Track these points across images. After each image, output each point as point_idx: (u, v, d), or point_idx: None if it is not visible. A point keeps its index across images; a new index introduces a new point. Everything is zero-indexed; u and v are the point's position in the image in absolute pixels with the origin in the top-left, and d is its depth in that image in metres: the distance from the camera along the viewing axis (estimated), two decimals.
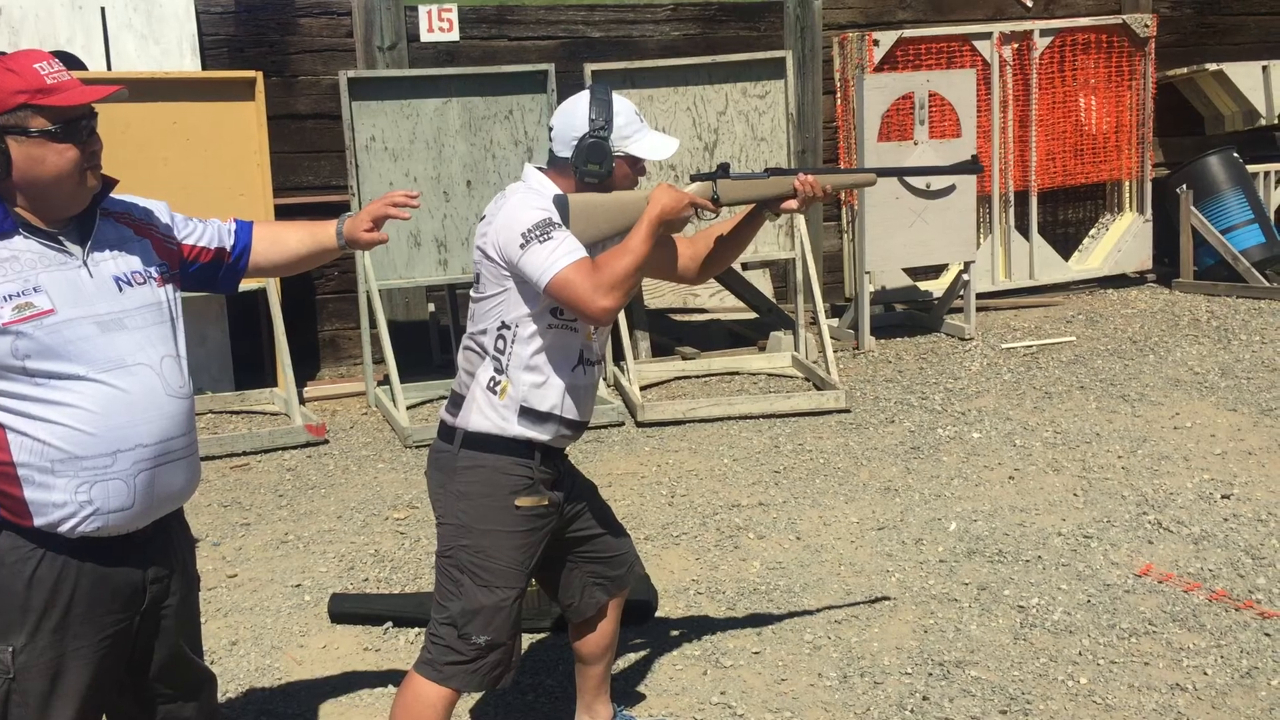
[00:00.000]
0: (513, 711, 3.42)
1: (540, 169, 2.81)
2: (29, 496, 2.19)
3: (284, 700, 3.55)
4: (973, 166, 3.26)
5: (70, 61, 6.56)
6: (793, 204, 2.93)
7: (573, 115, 2.74)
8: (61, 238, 2.26)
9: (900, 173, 3.39)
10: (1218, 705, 3.31)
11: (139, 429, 2.24)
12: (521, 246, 2.61)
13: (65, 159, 2.21)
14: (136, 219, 2.43)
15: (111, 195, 2.39)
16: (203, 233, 2.56)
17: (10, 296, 2.16)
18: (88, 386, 2.20)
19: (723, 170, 2.91)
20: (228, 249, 2.58)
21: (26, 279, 2.19)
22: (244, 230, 2.62)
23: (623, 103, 2.76)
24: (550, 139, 2.79)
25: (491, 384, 2.72)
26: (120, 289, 2.29)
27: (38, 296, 2.18)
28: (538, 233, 2.60)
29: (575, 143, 2.73)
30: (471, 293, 2.81)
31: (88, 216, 2.31)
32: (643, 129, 2.78)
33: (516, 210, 2.66)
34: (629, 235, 2.69)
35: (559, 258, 2.58)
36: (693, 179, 2.91)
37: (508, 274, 2.67)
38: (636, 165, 2.81)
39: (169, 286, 2.40)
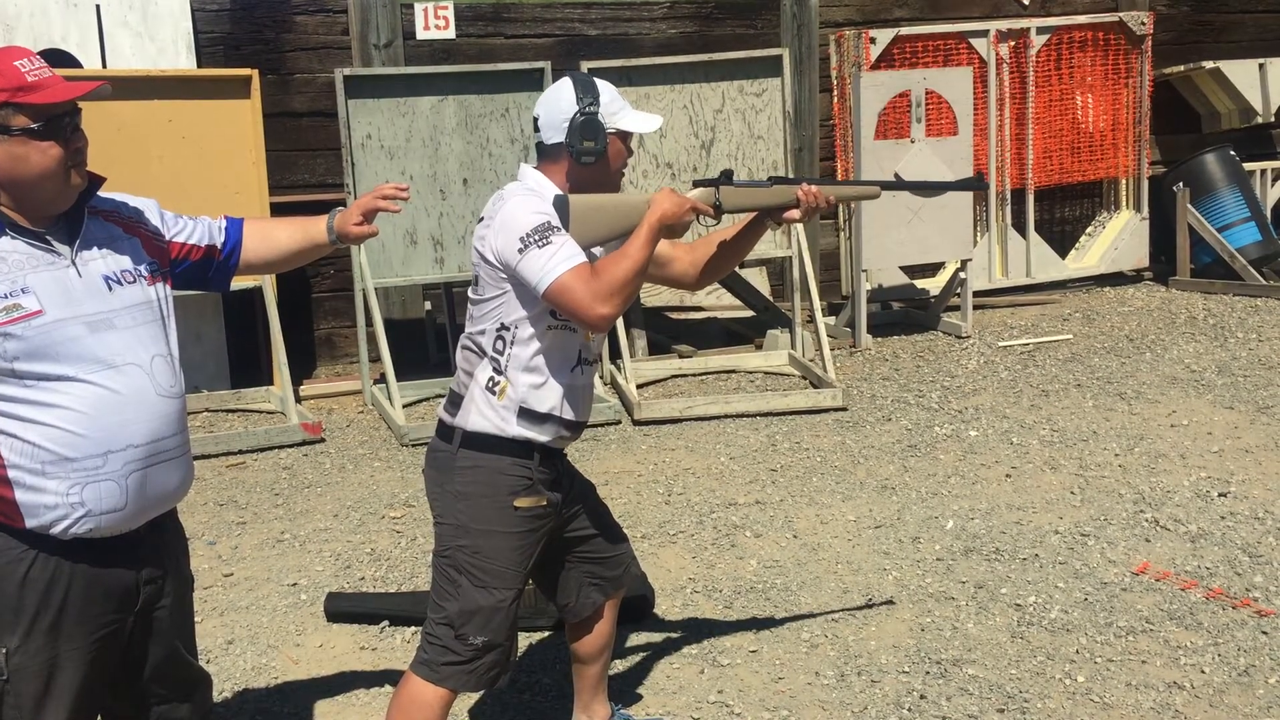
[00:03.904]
0: (510, 710, 3.42)
1: (536, 167, 2.80)
2: (20, 498, 2.18)
3: (280, 700, 3.54)
4: (978, 183, 3.28)
5: (66, 59, 6.55)
6: (795, 214, 2.92)
7: (559, 99, 2.74)
8: (49, 237, 2.25)
9: (905, 187, 3.40)
10: (1215, 703, 3.31)
11: (130, 429, 2.23)
12: (520, 251, 2.59)
13: (49, 157, 2.19)
14: (125, 217, 2.41)
15: (100, 194, 2.37)
16: (193, 230, 2.54)
17: None
18: (77, 387, 2.19)
19: (725, 177, 2.90)
20: (218, 246, 2.57)
21: (14, 280, 2.18)
22: (234, 227, 2.60)
23: (604, 83, 2.77)
24: (536, 129, 2.78)
25: (490, 384, 2.70)
26: (109, 288, 2.28)
27: (25, 298, 2.17)
28: (536, 237, 2.59)
29: (566, 124, 2.71)
30: (470, 294, 2.79)
31: (75, 215, 2.29)
32: (627, 106, 2.78)
33: (515, 213, 2.64)
34: (629, 240, 2.68)
35: (557, 263, 2.57)
36: (695, 184, 2.90)
37: (506, 277, 2.66)
38: (627, 142, 2.80)
39: (159, 285, 2.39)
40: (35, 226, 2.24)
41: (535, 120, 2.78)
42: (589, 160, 2.72)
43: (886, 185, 3.15)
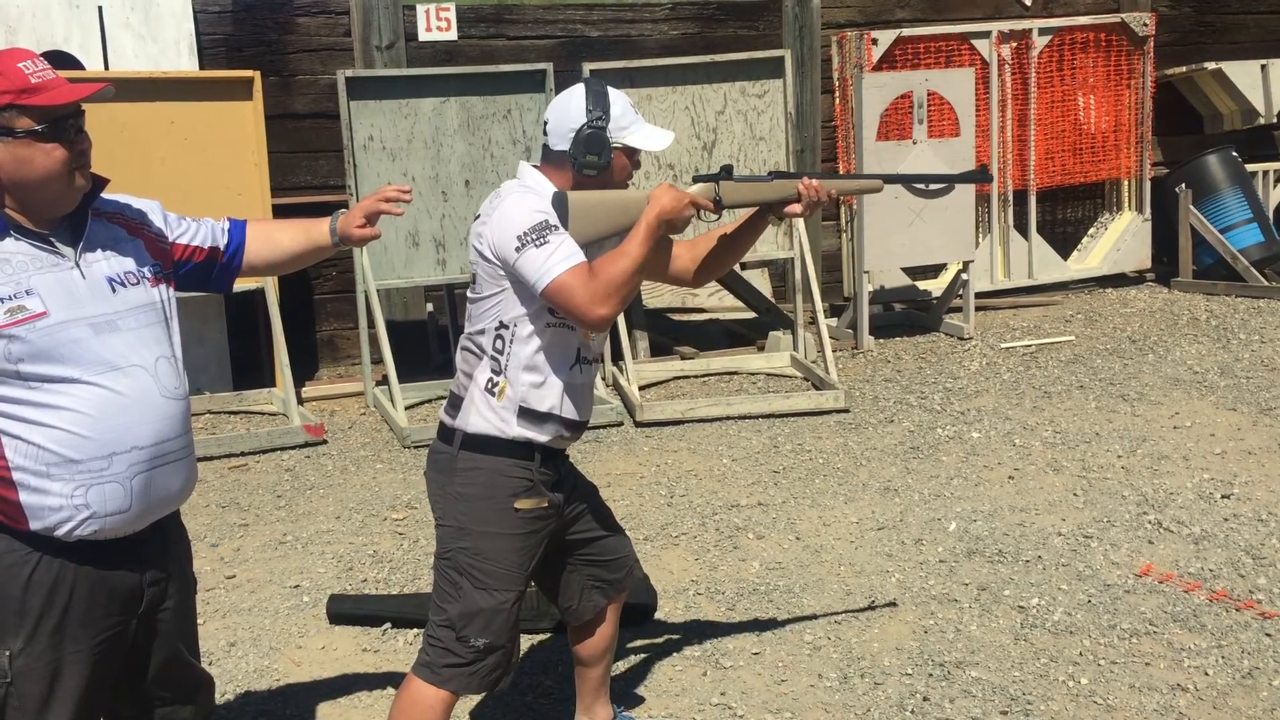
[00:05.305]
0: (512, 712, 3.41)
1: (536, 166, 2.79)
2: (24, 500, 2.18)
3: (282, 702, 3.54)
4: (983, 175, 3.26)
5: (68, 61, 6.55)
6: (796, 208, 2.91)
7: (569, 108, 2.72)
8: (53, 239, 2.25)
9: (907, 179, 3.38)
10: (1219, 706, 3.30)
11: (134, 431, 2.23)
12: (517, 250, 2.59)
13: (53, 159, 2.19)
14: (129, 219, 2.41)
15: (103, 195, 2.37)
16: (196, 232, 2.54)
17: (2, 300, 2.15)
18: (82, 389, 2.19)
19: (725, 172, 2.89)
20: (221, 248, 2.57)
21: (18, 282, 2.18)
22: (237, 229, 2.60)
23: (618, 95, 2.75)
24: (545, 133, 2.77)
25: (490, 385, 2.70)
26: (113, 290, 2.28)
27: (30, 299, 2.17)
28: (534, 236, 2.58)
29: (572, 135, 2.70)
30: (469, 293, 2.79)
31: (79, 217, 2.29)
32: (639, 120, 2.76)
33: (512, 211, 2.63)
34: (628, 237, 2.67)
35: (555, 263, 2.56)
36: (695, 180, 2.88)
37: (504, 274, 2.65)
38: (634, 157, 2.79)
39: (163, 286, 2.39)
40: (39, 228, 2.24)
41: (545, 123, 2.77)
42: (591, 173, 2.72)
43: (888, 179, 3.12)
